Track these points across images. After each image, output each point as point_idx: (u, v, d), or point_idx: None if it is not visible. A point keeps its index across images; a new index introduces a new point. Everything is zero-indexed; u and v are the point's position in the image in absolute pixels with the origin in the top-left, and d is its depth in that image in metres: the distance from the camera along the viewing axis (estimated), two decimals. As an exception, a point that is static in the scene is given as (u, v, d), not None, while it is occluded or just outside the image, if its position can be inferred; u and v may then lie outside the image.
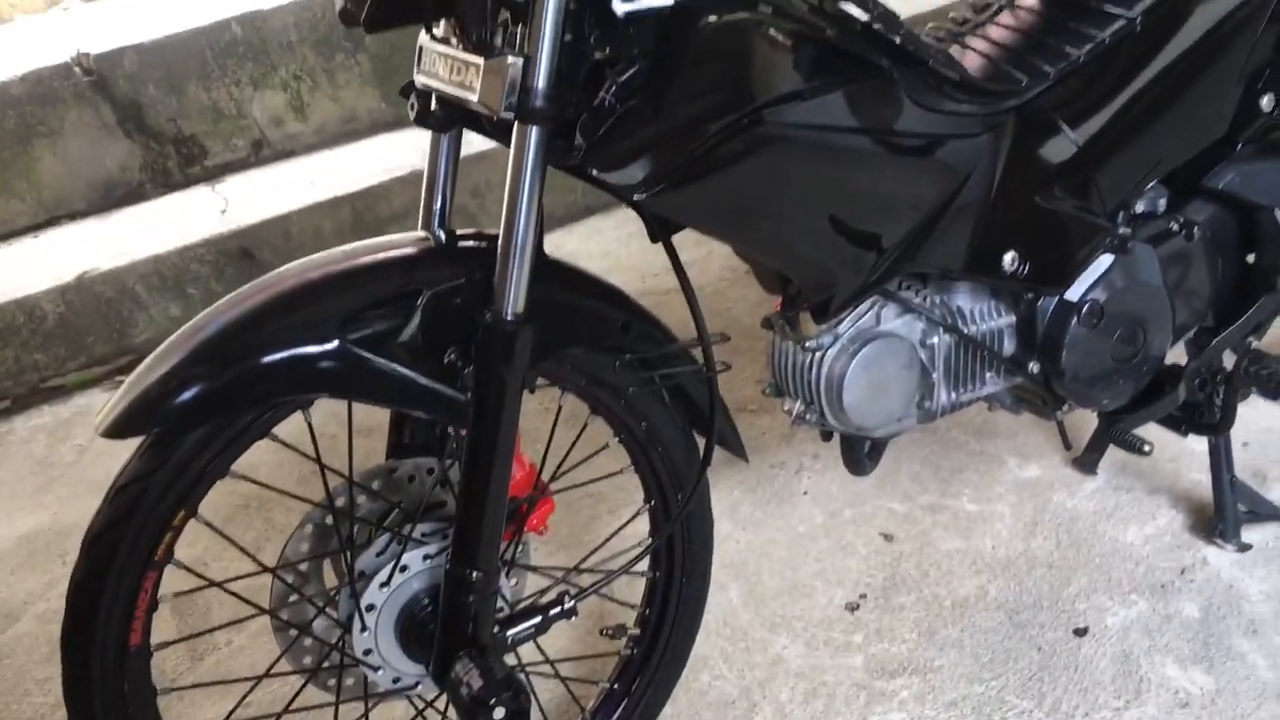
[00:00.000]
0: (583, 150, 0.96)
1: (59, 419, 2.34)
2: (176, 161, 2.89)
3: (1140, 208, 1.32)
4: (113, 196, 2.84)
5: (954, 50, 1.22)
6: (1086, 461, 1.67)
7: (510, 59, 0.92)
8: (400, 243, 1.06)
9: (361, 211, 2.68)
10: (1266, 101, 1.27)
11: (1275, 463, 1.67)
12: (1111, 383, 1.29)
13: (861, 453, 1.35)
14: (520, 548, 1.18)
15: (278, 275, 1.03)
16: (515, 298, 0.97)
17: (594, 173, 0.94)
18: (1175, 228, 1.30)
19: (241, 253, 2.60)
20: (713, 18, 0.99)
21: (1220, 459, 1.50)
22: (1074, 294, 1.24)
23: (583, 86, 0.97)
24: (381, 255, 1.03)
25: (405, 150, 2.78)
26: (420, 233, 1.09)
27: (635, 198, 0.95)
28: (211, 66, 2.83)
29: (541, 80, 0.92)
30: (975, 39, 1.23)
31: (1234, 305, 1.36)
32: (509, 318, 0.97)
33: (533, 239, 0.97)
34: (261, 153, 2.96)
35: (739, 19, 1.00)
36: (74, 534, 1.93)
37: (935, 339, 1.24)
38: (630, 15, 0.96)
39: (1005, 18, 1.25)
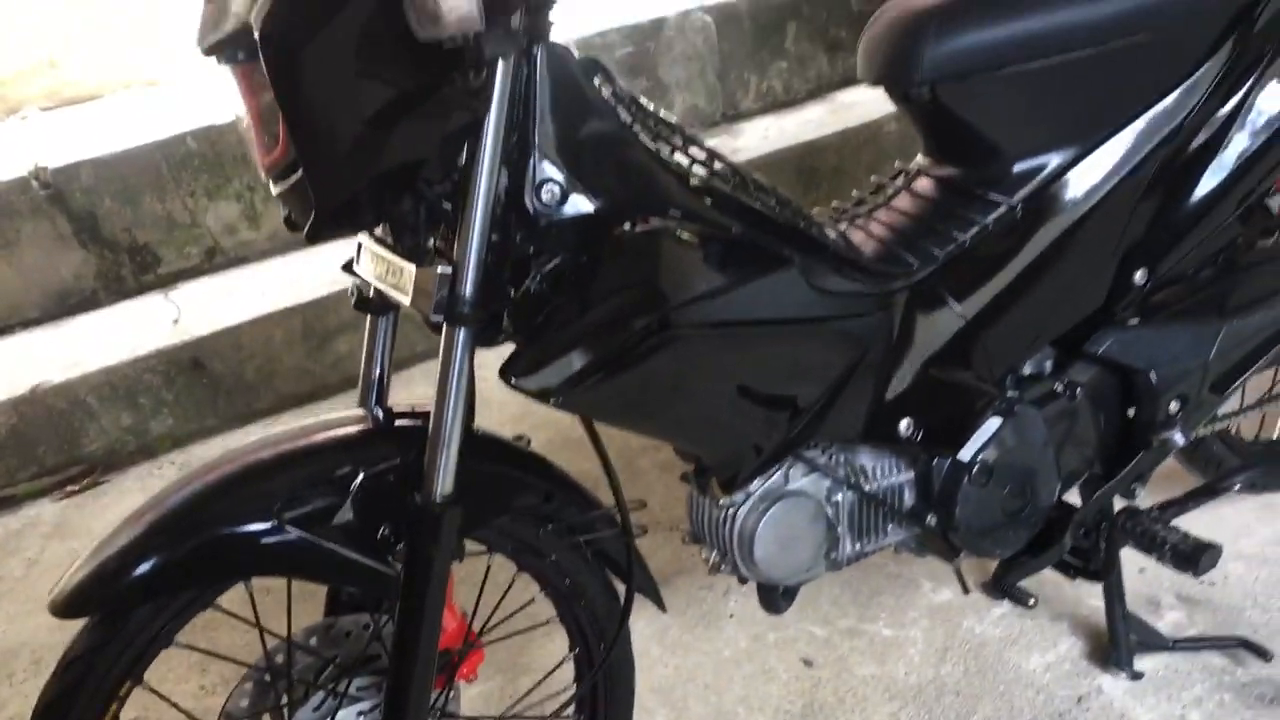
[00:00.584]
0: (509, 332, 1.07)
1: (9, 530, 2.38)
2: (131, 269, 2.96)
3: (1028, 370, 1.43)
4: (67, 304, 2.90)
5: (851, 233, 1.33)
6: (994, 587, 1.77)
7: (439, 269, 1.02)
8: (340, 422, 1.14)
9: (311, 321, 2.76)
10: (1139, 276, 1.39)
11: (1169, 590, 1.78)
12: (1002, 534, 1.39)
13: (776, 595, 1.45)
14: (451, 696, 1.25)
15: (230, 454, 1.11)
16: (443, 481, 1.06)
17: (512, 382, 1.03)
18: (1060, 389, 1.40)
19: (192, 363, 2.67)
20: (627, 225, 1.10)
21: (1113, 592, 1.60)
22: (965, 454, 1.34)
23: (510, 277, 1.08)
24: (321, 437, 1.11)
25: (355, 261, 2.87)
26: (358, 411, 1.17)
27: (551, 402, 1.05)
28: (167, 178, 2.92)
29: (468, 288, 1.02)
30: (871, 222, 1.35)
31: (1118, 456, 1.47)
32: (437, 500, 1.06)
33: (460, 425, 1.06)
34: (215, 260, 3.04)
35: (652, 226, 1.11)
36: (21, 653, 1.99)
37: (840, 496, 1.34)
38: (549, 221, 1.07)
39: (899, 201, 1.37)
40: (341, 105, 0.94)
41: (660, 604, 1.32)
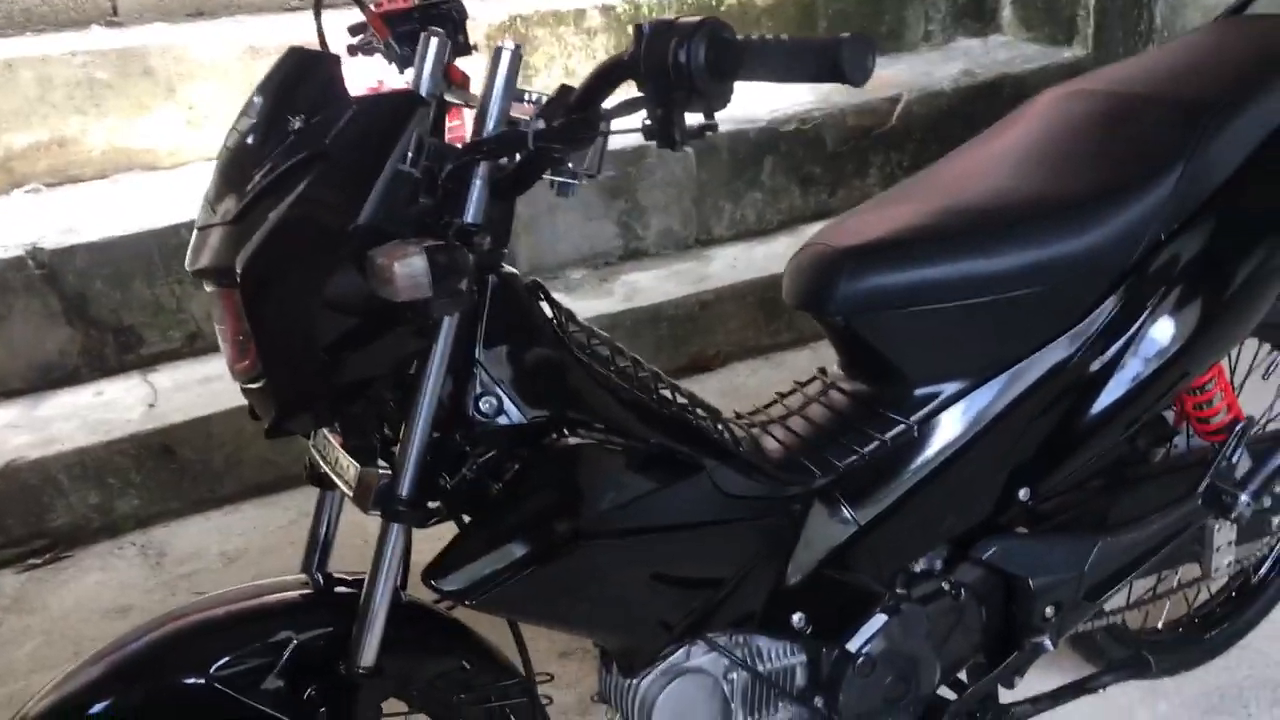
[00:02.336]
0: (442, 513, 1.21)
1: (-31, 600, 2.49)
2: (114, 348, 3.09)
3: (919, 567, 1.56)
4: (49, 377, 3.02)
5: (762, 438, 1.48)
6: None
7: (380, 472, 1.16)
8: (283, 586, 1.27)
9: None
10: (1023, 494, 1.54)
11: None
12: (883, 719, 1.52)
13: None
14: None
15: (188, 607, 1.24)
16: (367, 653, 1.19)
17: (434, 585, 1.16)
18: (946, 587, 1.54)
19: (163, 449, 2.79)
20: (555, 435, 1.25)
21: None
22: (852, 646, 1.48)
23: (447, 469, 1.22)
24: (263, 600, 1.24)
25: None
26: (301, 576, 1.31)
27: (468, 604, 1.18)
28: (158, 265, 3.06)
29: (405, 490, 1.16)
30: (781, 429, 1.49)
31: (999, 650, 1.61)
32: (360, 670, 1.19)
33: (388, 603, 1.19)
34: (195, 344, 3.17)
35: (577, 439, 1.25)
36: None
37: (736, 674, 1.46)
38: (485, 428, 1.21)
39: (810, 410, 1.52)
40: (305, 337, 1.08)
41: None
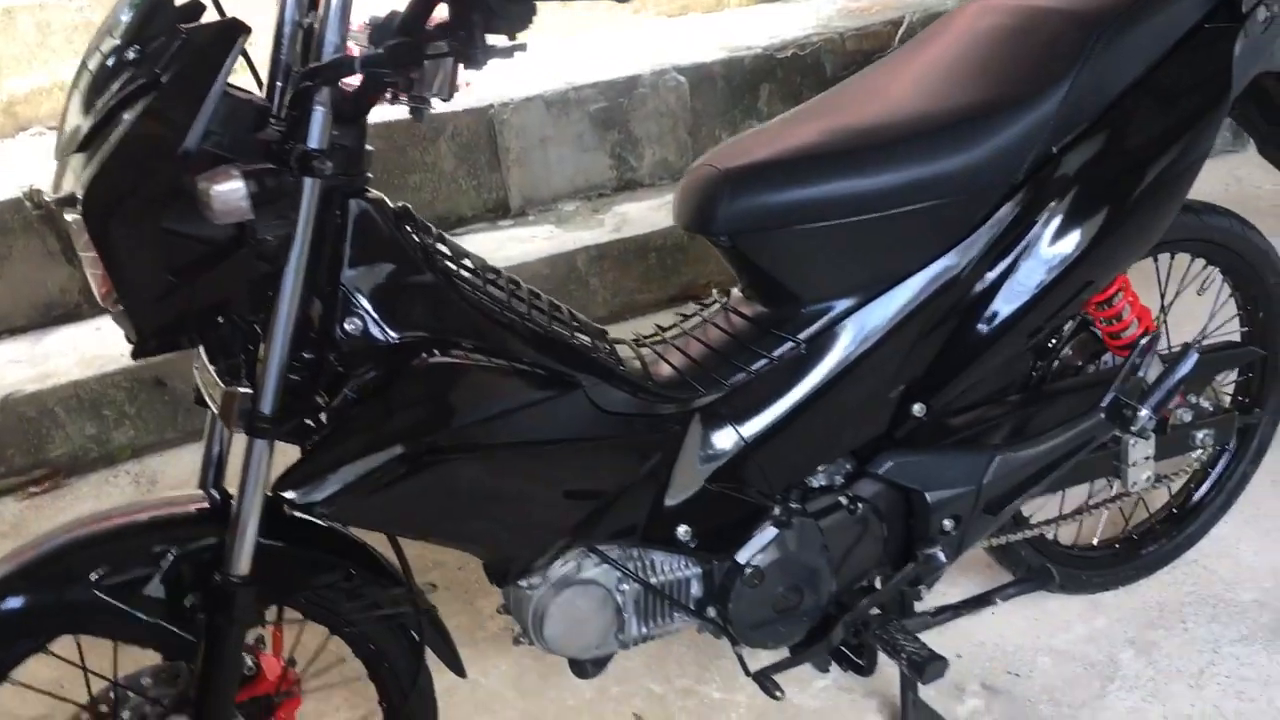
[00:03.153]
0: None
1: (-30, 526, 2.62)
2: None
3: (821, 481, 1.60)
4: (51, 315, 3.14)
5: (651, 359, 1.51)
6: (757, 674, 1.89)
7: (241, 390, 1.22)
8: (174, 501, 1.34)
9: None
10: (917, 408, 1.56)
11: (976, 677, 1.95)
12: (774, 629, 1.57)
13: (584, 663, 1.63)
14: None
15: (91, 517, 1.31)
16: (240, 561, 1.25)
17: (285, 494, 1.22)
18: (844, 501, 1.57)
19: (155, 382, 2.89)
20: (425, 354, 1.29)
21: (906, 679, 1.77)
22: (742, 557, 1.52)
23: (327, 390, 1.28)
24: (151, 513, 1.31)
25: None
26: (195, 492, 1.37)
27: (317, 513, 1.24)
28: (151, 205, 3.14)
29: (267, 406, 1.21)
30: (671, 349, 1.53)
31: (901, 563, 1.64)
32: (234, 579, 1.25)
33: (257, 514, 1.25)
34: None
35: (446, 357, 1.30)
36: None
37: (627, 586, 1.52)
38: (354, 348, 1.27)
39: (701, 331, 1.55)
40: (150, 261, 1.14)
41: (458, 670, 1.51)
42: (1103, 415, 1.65)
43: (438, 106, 1.24)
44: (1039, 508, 1.97)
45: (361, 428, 1.25)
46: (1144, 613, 2.06)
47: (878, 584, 1.65)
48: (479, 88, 3.59)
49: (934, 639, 1.92)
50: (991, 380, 1.62)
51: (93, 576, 1.24)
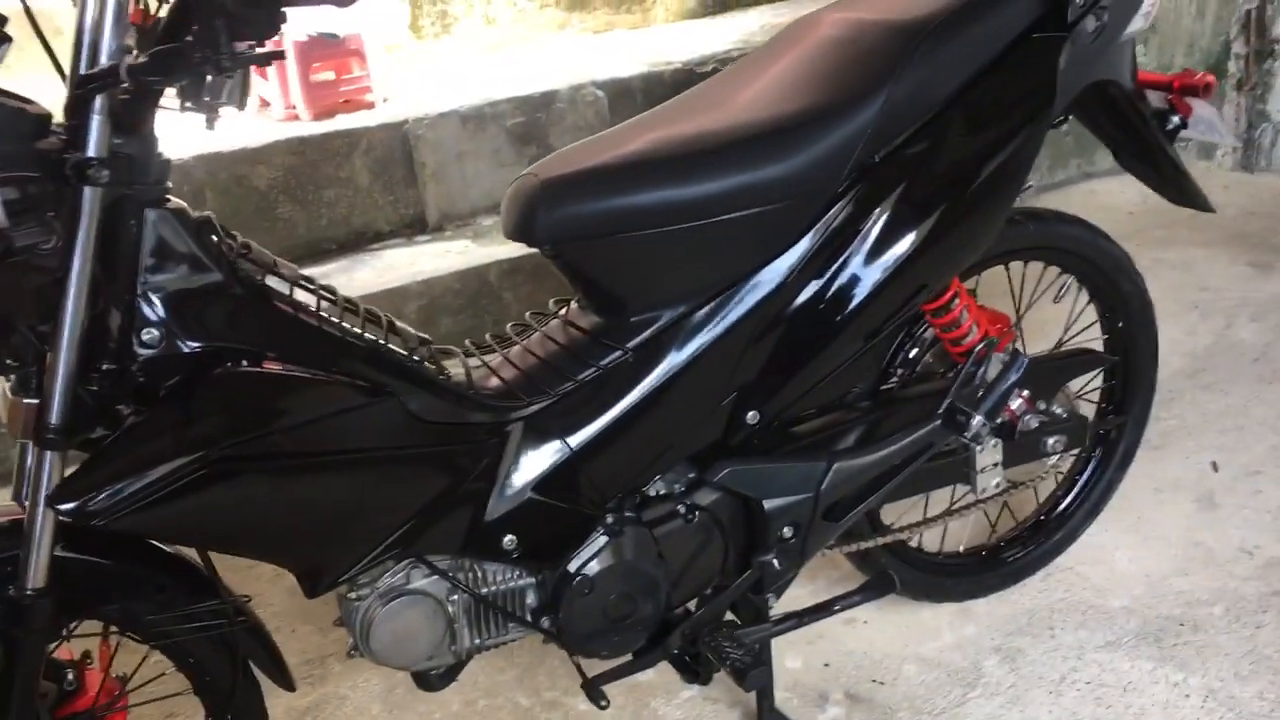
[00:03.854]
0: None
1: None
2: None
3: (661, 489, 1.60)
4: None
5: (476, 367, 1.51)
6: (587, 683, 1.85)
7: (25, 401, 1.22)
8: (-18, 514, 1.34)
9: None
10: (751, 415, 1.57)
11: (841, 685, 1.95)
12: (609, 638, 1.57)
13: (428, 675, 1.62)
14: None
15: None
16: (33, 574, 1.25)
17: (58, 508, 1.21)
18: (682, 510, 1.57)
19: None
20: (228, 364, 1.29)
21: (763, 687, 1.77)
22: (573, 566, 1.52)
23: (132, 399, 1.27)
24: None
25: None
26: (8, 504, 1.37)
27: (95, 523, 1.23)
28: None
29: (54, 417, 1.21)
30: (499, 358, 1.53)
31: (743, 572, 1.64)
32: (28, 591, 1.25)
33: (50, 527, 1.24)
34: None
35: (246, 367, 1.30)
36: None
37: (458, 597, 1.51)
38: (153, 358, 1.26)
39: (532, 341, 1.55)
40: None
41: (284, 684, 1.51)
42: (939, 422, 1.66)
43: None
44: (902, 513, 1.97)
45: (143, 437, 1.24)
46: (1013, 620, 2.07)
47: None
48: (394, 103, 3.61)
49: (804, 648, 1.96)
50: (832, 387, 1.63)
51: None
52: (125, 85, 1.14)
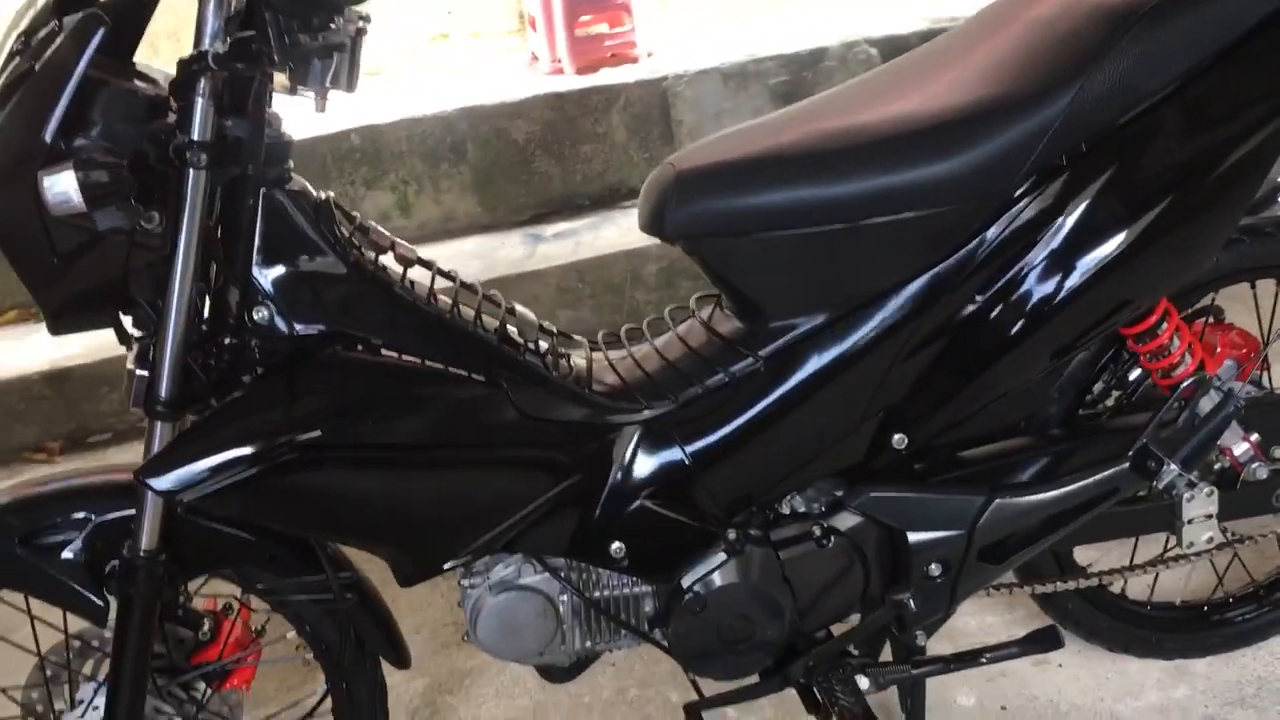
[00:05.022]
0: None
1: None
2: (296, 243, 3.39)
3: (799, 508, 1.47)
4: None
5: (599, 364, 1.44)
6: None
7: (137, 371, 1.26)
8: (109, 470, 1.41)
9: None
10: (897, 439, 1.41)
11: (1014, 735, 1.76)
12: (723, 660, 1.46)
13: (551, 666, 1.58)
14: (216, 700, 1.50)
15: (30, 480, 1.40)
16: (149, 536, 1.30)
17: (144, 481, 1.24)
18: (817, 532, 1.45)
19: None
20: (331, 346, 1.29)
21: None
22: (686, 581, 1.43)
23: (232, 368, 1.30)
24: (84, 481, 1.38)
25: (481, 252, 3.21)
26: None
27: (179, 500, 1.25)
28: (330, 168, 3.32)
29: (164, 390, 1.24)
30: (625, 356, 1.45)
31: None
32: (141, 553, 1.30)
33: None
34: (369, 241, 3.42)
35: (352, 352, 1.29)
36: None
37: (569, 598, 1.46)
38: (266, 336, 1.28)
39: (662, 340, 1.46)
40: (35, 243, 1.18)
41: (397, 661, 1.51)
42: (1127, 465, 1.44)
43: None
44: (1102, 554, 1.75)
45: (230, 417, 1.25)
46: (1237, 687, 1.79)
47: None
48: (657, 59, 3.56)
49: (983, 685, 1.81)
50: (1001, 413, 1.45)
51: (17, 536, 1.32)
52: (213, 70, 1.13)
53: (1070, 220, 1.32)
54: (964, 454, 1.49)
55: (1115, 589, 1.76)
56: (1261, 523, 1.66)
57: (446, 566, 1.37)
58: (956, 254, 1.35)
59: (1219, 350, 1.59)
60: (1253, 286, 1.60)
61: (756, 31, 3.70)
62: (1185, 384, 1.43)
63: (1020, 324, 1.35)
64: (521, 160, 3.40)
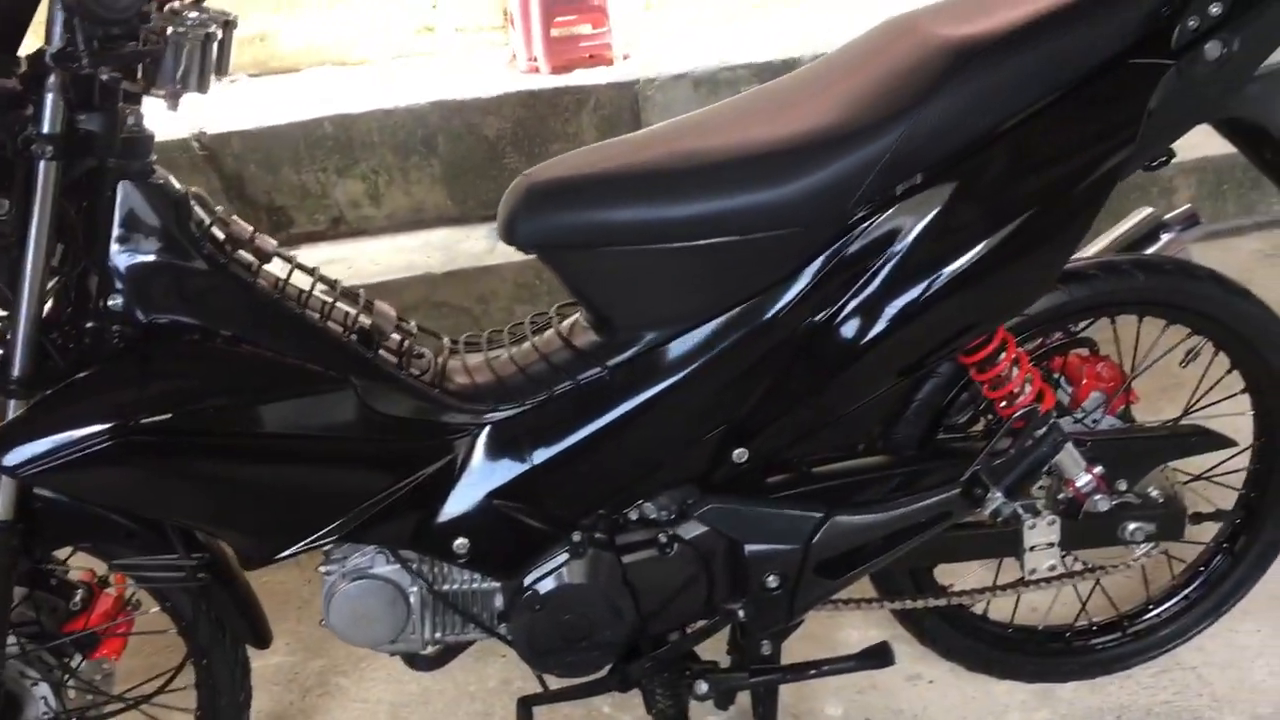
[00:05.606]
0: None
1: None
2: (267, 226, 3.46)
3: (650, 514, 1.51)
4: (211, 247, 3.44)
5: (454, 364, 1.49)
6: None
7: None
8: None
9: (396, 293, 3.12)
10: (738, 454, 1.45)
11: (871, 747, 1.80)
12: (563, 658, 1.51)
13: (413, 654, 1.63)
14: (86, 667, 1.56)
15: None
16: (2, 508, 1.36)
17: None
18: (663, 539, 1.49)
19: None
20: (194, 336, 1.35)
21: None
22: (528, 579, 1.48)
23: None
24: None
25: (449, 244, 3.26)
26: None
27: (18, 475, 1.31)
28: (303, 154, 3.38)
29: (15, 369, 1.30)
30: (481, 358, 1.50)
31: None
32: None
33: None
34: (339, 228, 3.49)
35: (196, 339, 1.35)
36: None
37: (419, 589, 1.52)
38: (118, 323, 1.34)
39: (519, 345, 1.51)
40: None
41: (255, 642, 1.57)
42: (958, 491, 1.47)
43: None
44: (969, 571, 1.78)
45: (70, 399, 1.31)
46: (1098, 713, 1.82)
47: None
48: (631, 62, 3.60)
49: (853, 696, 1.87)
50: (842, 432, 1.48)
51: None
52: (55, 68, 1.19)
53: (902, 248, 1.36)
54: (817, 469, 1.53)
55: (978, 609, 1.79)
56: (1116, 553, 1.68)
57: (283, 555, 1.42)
58: (794, 276, 1.39)
59: (1085, 382, 1.62)
60: (1112, 321, 1.63)
61: (748, 35, 3.72)
62: (1019, 414, 1.46)
63: (853, 346, 1.39)
64: (492, 156, 3.45)
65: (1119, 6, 1.34)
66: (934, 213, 1.35)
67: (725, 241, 1.37)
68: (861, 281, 1.37)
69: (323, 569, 1.52)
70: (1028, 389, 1.49)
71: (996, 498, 1.44)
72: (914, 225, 1.36)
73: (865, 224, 1.37)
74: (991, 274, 1.37)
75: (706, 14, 4.07)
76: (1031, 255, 1.38)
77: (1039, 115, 1.35)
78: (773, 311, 1.40)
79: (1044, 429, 1.43)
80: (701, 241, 1.37)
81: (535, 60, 3.57)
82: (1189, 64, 1.35)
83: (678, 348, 1.42)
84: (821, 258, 1.38)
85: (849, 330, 1.39)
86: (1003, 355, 1.47)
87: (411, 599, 1.52)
